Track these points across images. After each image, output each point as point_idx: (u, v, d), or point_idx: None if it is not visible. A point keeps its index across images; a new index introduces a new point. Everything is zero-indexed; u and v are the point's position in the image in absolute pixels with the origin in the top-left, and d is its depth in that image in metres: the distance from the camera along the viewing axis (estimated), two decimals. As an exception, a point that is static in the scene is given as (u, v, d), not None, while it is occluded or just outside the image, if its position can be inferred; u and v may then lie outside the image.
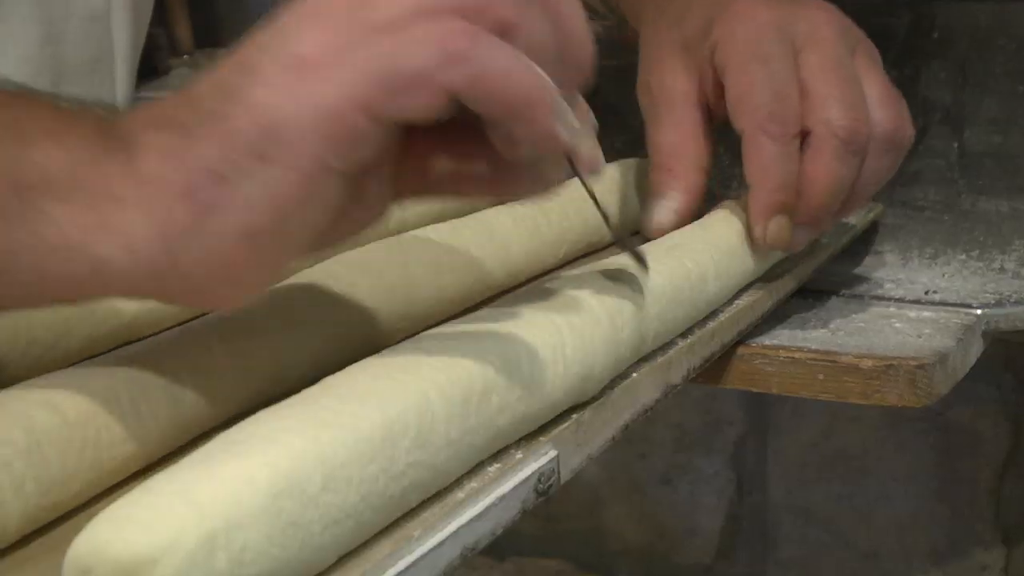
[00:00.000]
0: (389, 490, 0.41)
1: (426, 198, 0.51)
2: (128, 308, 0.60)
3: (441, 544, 0.43)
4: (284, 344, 0.54)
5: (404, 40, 0.42)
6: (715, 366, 0.66)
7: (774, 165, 0.66)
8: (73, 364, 0.58)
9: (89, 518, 0.45)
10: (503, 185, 0.49)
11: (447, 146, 0.48)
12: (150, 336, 0.61)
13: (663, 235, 0.68)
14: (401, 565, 0.41)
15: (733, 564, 1.20)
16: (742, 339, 0.67)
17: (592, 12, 0.86)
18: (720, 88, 0.69)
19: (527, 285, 0.71)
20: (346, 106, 0.42)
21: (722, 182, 0.83)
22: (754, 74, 0.67)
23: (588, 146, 0.47)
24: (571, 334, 0.50)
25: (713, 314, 0.65)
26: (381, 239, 0.64)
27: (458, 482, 0.46)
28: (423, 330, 0.62)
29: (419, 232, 0.65)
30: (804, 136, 0.66)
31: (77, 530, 0.44)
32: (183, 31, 1.42)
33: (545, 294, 0.53)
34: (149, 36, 0.87)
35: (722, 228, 0.68)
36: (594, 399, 0.53)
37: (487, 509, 0.45)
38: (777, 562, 1.17)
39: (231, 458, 0.38)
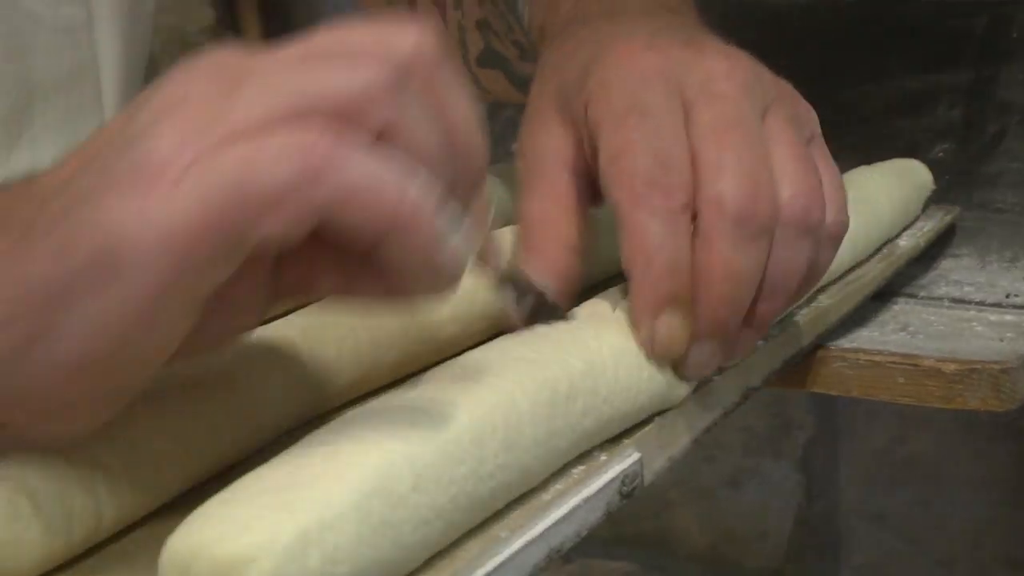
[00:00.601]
0: (478, 491, 0.41)
1: (307, 299, 0.45)
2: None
3: (528, 545, 0.43)
4: (369, 345, 0.54)
5: (262, 151, 0.36)
6: (793, 369, 0.65)
7: (657, 246, 0.51)
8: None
9: (181, 514, 0.46)
10: (394, 289, 0.41)
11: (328, 247, 0.40)
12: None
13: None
14: (490, 566, 0.41)
15: (803, 569, 1.19)
16: (820, 342, 0.67)
17: (524, 53, 0.83)
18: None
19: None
20: (196, 226, 0.36)
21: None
22: (631, 131, 0.52)
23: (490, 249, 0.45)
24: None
25: (790, 316, 0.64)
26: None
27: (544, 484, 0.46)
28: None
29: (501, 231, 0.65)
30: (693, 217, 0.51)
31: (169, 527, 0.45)
32: (253, 37, 1.43)
33: (627, 295, 0.53)
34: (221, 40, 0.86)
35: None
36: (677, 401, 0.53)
37: (573, 511, 0.45)
38: (849, 567, 1.16)
39: (321, 458, 0.38)
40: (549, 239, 0.56)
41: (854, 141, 0.92)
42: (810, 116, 0.57)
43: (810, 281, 0.55)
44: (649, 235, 0.51)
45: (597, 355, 0.48)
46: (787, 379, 0.65)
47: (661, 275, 0.51)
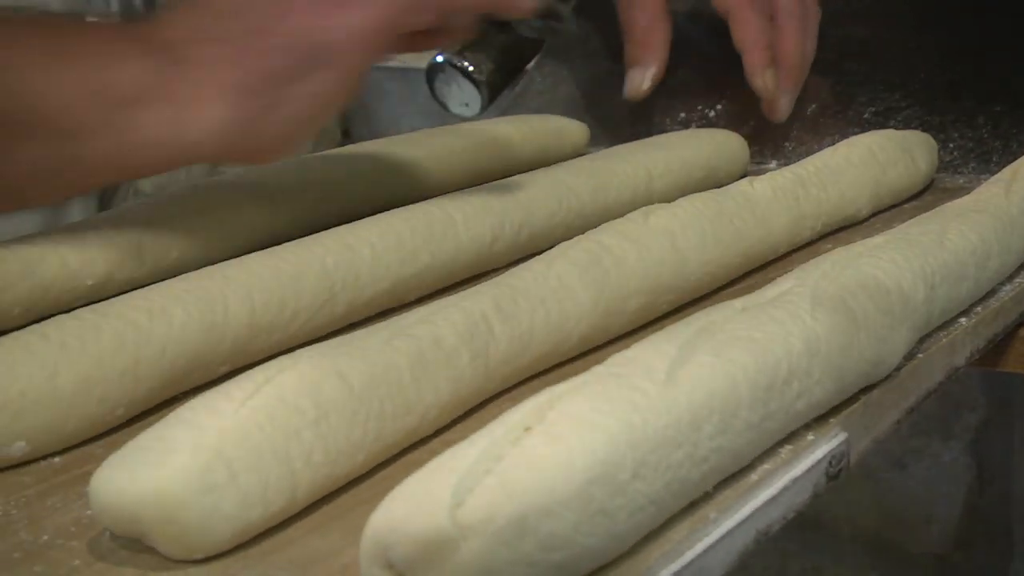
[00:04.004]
0: (691, 476, 0.39)
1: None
2: (388, 274, 0.60)
3: (737, 528, 0.41)
4: (559, 317, 0.52)
5: None
6: (993, 347, 0.62)
7: (760, 30, 0.86)
8: (337, 330, 0.58)
9: (373, 487, 0.45)
10: (439, 41, 0.68)
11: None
12: (412, 303, 0.61)
13: (639, 97, 0.89)
14: (699, 548, 0.40)
15: (971, 556, 1.15)
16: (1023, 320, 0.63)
17: None
18: None
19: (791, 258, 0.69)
20: (380, 27, 0.59)
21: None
22: None
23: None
24: (864, 319, 0.48)
25: (993, 292, 0.61)
26: (637, 208, 0.62)
27: (751, 463, 0.43)
28: (688, 303, 0.61)
29: (681, 201, 0.63)
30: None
31: (362, 499, 0.44)
32: None
33: (838, 275, 0.50)
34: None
35: (1000, 200, 0.64)
36: (880, 381, 0.50)
37: (780, 492, 0.43)
38: (1023, 557, 1.12)
39: (547, 440, 0.36)
40: (655, 37, 0.89)
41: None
42: None
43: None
44: (755, 25, 0.86)
45: (813, 333, 0.45)
46: (985, 358, 0.62)
47: (765, 47, 0.86)
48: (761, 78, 0.86)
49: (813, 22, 0.90)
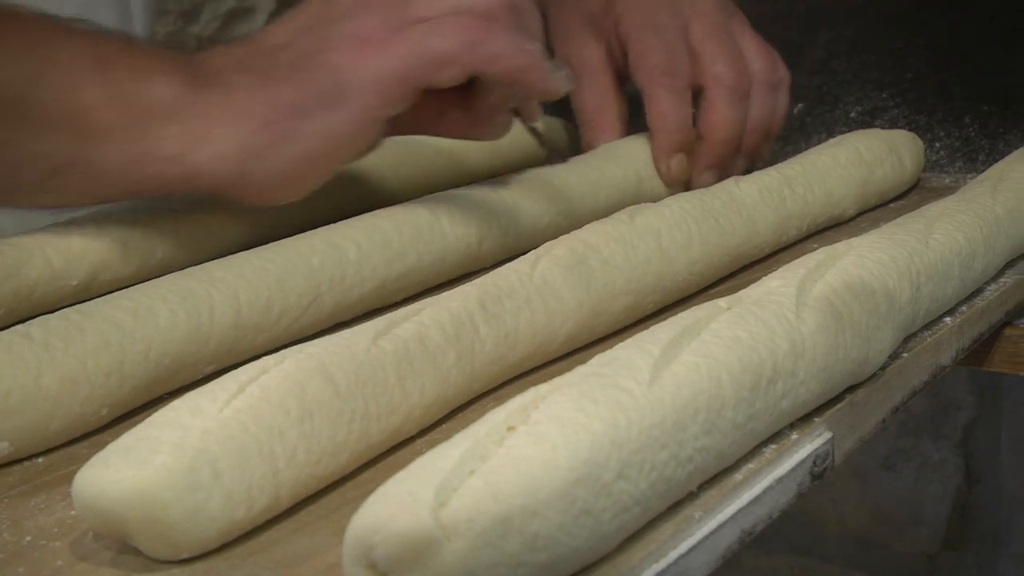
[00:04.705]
0: (676, 476, 0.39)
1: (411, 133, 0.67)
2: (374, 274, 0.60)
3: (721, 527, 0.41)
4: (544, 316, 0.52)
5: (438, 30, 0.59)
6: (979, 347, 0.62)
7: (670, 111, 0.78)
8: (324, 330, 0.58)
9: (358, 487, 0.45)
10: (473, 129, 0.66)
11: (437, 97, 0.62)
12: (398, 303, 0.61)
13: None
14: (683, 548, 0.40)
15: (960, 556, 1.15)
16: (1009, 320, 0.63)
17: None
18: (625, 53, 0.82)
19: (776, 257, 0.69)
20: (395, 75, 0.59)
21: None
22: (649, 40, 0.80)
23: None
24: (850, 319, 0.48)
25: (979, 292, 0.61)
26: (623, 208, 0.62)
27: (735, 463, 0.43)
28: (674, 303, 0.61)
29: (668, 201, 0.63)
30: (698, 91, 0.79)
31: (347, 499, 0.44)
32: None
33: (824, 275, 0.50)
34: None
35: (986, 200, 0.64)
36: (866, 380, 0.50)
37: (765, 492, 0.43)
38: (1011, 556, 1.12)
39: (531, 440, 0.36)
40: (607, 117, 0.83)
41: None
42: (746, 19, 0.84)
43: (779, 121, 0.83)
44: (664, 104, 0.78)
45: (798, 333, 0.45)
46: (971, 357, 0.62)
47: (673, 129, 0.78)
48: (664, 164, 0.78)
49: (781, 88, 0.82)
